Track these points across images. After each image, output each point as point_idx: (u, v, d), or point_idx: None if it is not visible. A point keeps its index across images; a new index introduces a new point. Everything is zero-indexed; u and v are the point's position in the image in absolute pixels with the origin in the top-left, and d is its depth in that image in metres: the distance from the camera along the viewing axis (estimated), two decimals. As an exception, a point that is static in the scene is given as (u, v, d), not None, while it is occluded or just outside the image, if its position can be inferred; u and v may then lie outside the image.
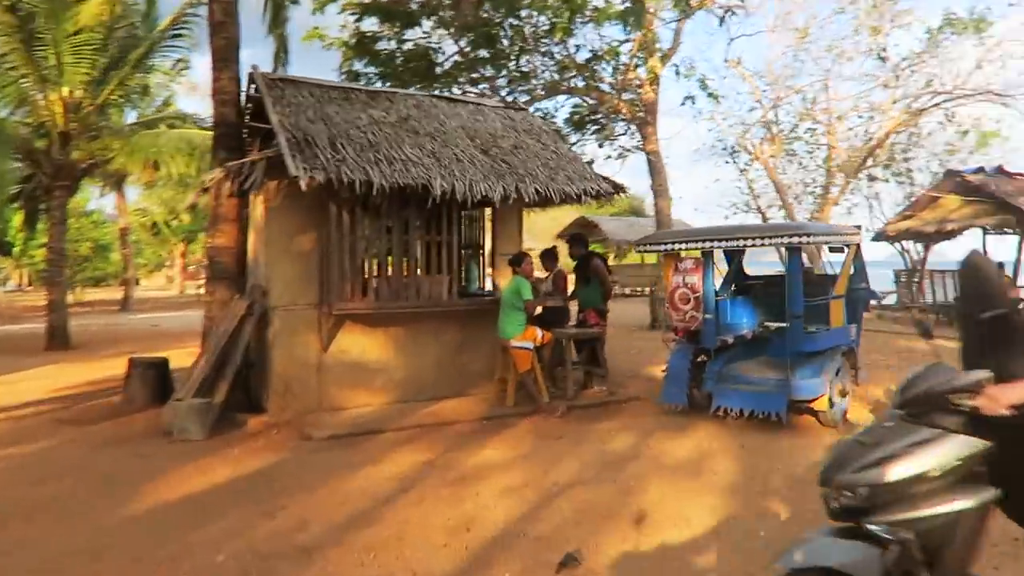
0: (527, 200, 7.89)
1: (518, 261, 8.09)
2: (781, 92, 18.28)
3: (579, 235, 9.15)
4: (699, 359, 7.66)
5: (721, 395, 7.17)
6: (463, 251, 8.93)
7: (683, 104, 16.74)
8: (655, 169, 17.33)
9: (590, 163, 11.40)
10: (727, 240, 7.04)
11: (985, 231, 16.81)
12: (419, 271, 7.99)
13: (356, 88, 9.05)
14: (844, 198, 22.63)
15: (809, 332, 6.87)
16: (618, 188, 8.86)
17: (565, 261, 9.38)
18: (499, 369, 8.29)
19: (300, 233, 7.57)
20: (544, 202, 9.23)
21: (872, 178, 19.36)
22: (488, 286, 9.68)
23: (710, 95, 16.86)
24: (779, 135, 18.71)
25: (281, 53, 12.41)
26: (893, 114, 16.87)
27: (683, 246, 7.41)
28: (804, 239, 6.63)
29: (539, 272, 9.23)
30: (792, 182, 19.20)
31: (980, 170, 16.40)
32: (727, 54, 17.50)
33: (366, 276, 7.92)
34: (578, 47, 16.47)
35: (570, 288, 9.50)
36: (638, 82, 17.03)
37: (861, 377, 7.72)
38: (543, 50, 15.71)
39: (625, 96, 17.44)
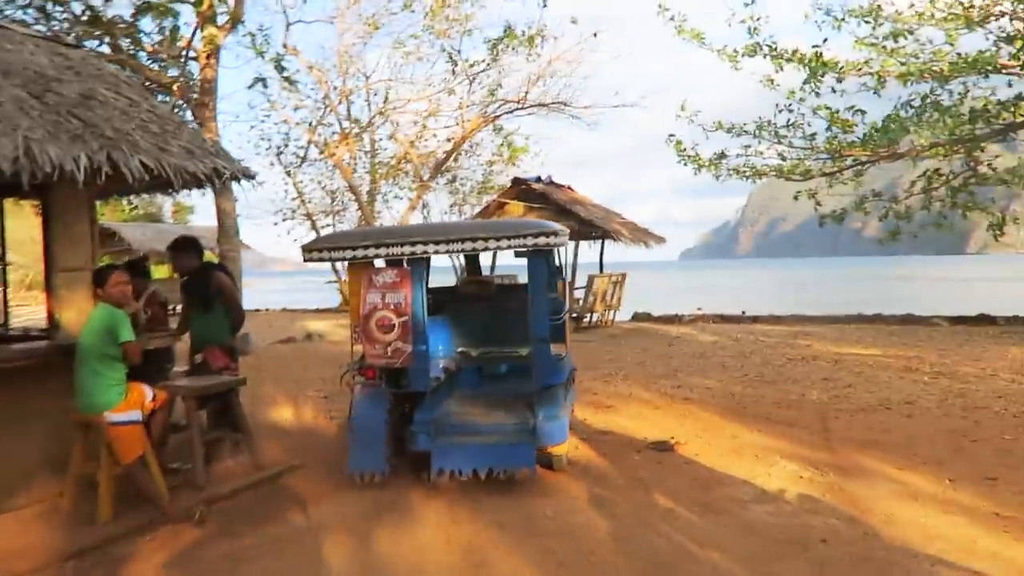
0: (133, 179, 4.76)
1: (102, 279, 4.90)
2: (351, 86, 16.87)
3: (189, 239, 6.18)
4: (397, 406, 5.60)
5: (443, 454, 5.24)
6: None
7: (251, 87, 13.88)
8: (212, 162, 14.21)
9: None
10: (458, 242, 5.12)
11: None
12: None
13: None
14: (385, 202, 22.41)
15: (554, 359, 5.43)
16: (248, 173, 6.20)
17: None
18: (76, 463, 4.94)
19: None
20: (128, 188, 6.05)
21: (452, 181, 19.32)
22: (15, 320, 5.97)
23: (287, 79, 14.46)
24: (352, 134, 17.25)
25: None
26: (468, 119, 16.88)
27: (382, 251, 5.24)
28: (550, 239, 5.15)
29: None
30: (358, 185, 17.99)
31: (539, 180, 17.42)
32: (286, 39, 15.25)
33: None
34: (107, -6, 12.39)
35: (171, 317, 6.45)
36: (192, 53, 13.72)
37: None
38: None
39: (171, 72, 13.93)
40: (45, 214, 5.23)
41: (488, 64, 17.03)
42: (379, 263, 5.50)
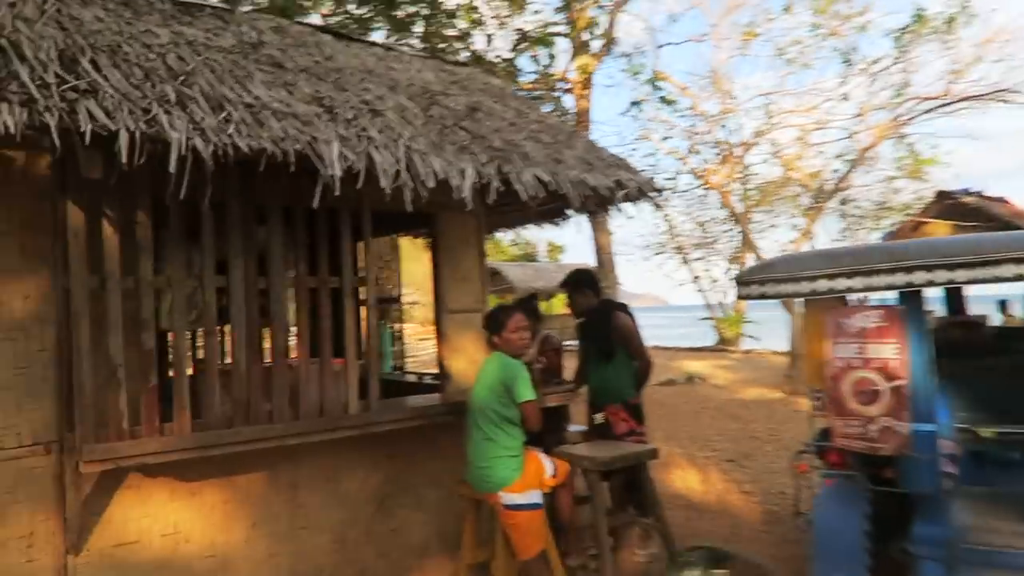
0: (527, 195, 3.84)
1: (498, 322, 3.99)
2: (728, 104, 15.39)
3: (586, 273, 5.21)
4: (880, 508, 3.80)
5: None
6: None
7: (626, 113, 13.31)
8: (590, 196, 13.77)
9: None
10: (997, 264, 3.25)
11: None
12: (287, 352, 3.70)
13: None
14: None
15: None
16: (654, 187, 5.04)
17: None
18: (467, 547, 4.08)
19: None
20: (515, 217, 5.29)
21: (843, 203, 16.70)
22: (413, 357, 5.49)
23: (663, 99, 13.53)
24: (732, 155, 15.69)
25: None
26: (872, 125, 14.27)
27: (860, 281, 3.55)
28: None
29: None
30: (737, 212, 16.37)
31: (967, 192, 13.92)
32: (656, 63, 14.49)
33: (168, 374, 3.57)
34: (490, 36, 12.67)
35: (567, 366, 5.50)
36: (566, 85, 13.53)
37: None
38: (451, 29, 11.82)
39: (545, 108, 13.89)
40: (433, 248, 4.59)
41: (894, 59, 14.15)
42: (845, 298, 3.82)
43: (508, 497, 3.71)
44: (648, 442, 4.93)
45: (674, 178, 21.59)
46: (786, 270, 3.79)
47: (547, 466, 4.01)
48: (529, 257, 39.35)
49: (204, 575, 3.61)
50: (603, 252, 13.67)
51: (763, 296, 3.87)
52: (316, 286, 3.61)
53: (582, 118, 13.55)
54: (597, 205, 4.56)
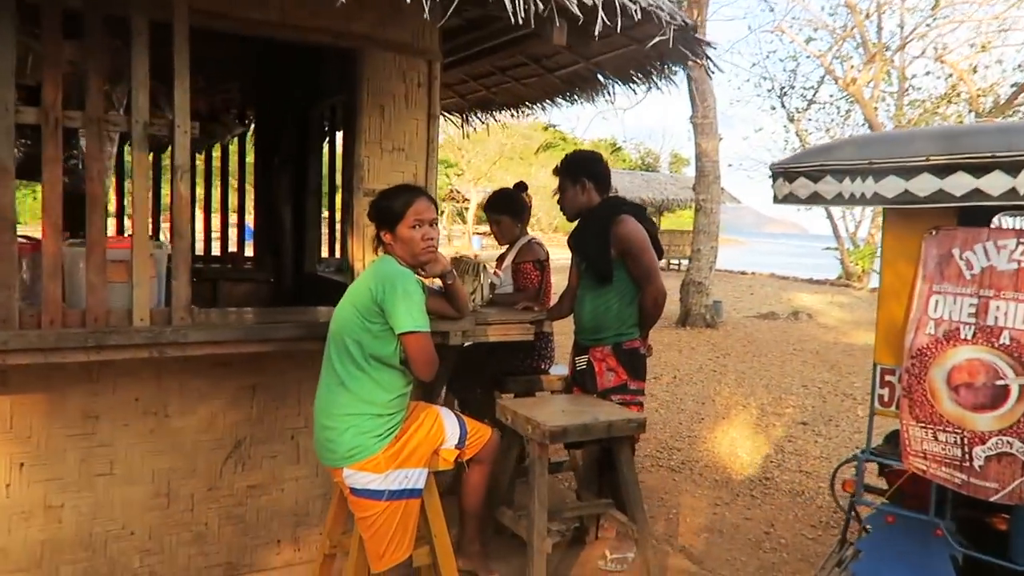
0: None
1: (388, 213, 2.55)
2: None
3: (590, 157, 3.63)
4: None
5: None
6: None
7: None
8: (699, 94, 11.69)
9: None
10: None
11: None
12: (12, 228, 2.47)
13: None
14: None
15: None
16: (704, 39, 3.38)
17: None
18: (330, 526, 2.84)
19: None
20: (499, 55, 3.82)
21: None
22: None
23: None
24: (881, 54, 12.91)
25: None
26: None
27: (993, 180, 1.86)
28: None
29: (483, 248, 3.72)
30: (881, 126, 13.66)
31: None
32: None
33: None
34: None
35: (554, 289, 4.03)
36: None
37: None
38: None
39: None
40: (348, 100, 3.18)
41: None
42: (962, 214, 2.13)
43: (355, 477, 2.40)
44: (643, 403, 3.46)
45: (818, 83, 18.75)
46: (859, 155, 2.12)
47: (450, 431, 2.66)
48: (648, 168, 36.84)
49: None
50: (706, 159, 11.68)
51: (816, 199, 2.23)
52: (81, 124, 2.30)
53: (698, 3, 11.33)
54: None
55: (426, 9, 2.13)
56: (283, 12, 2.85)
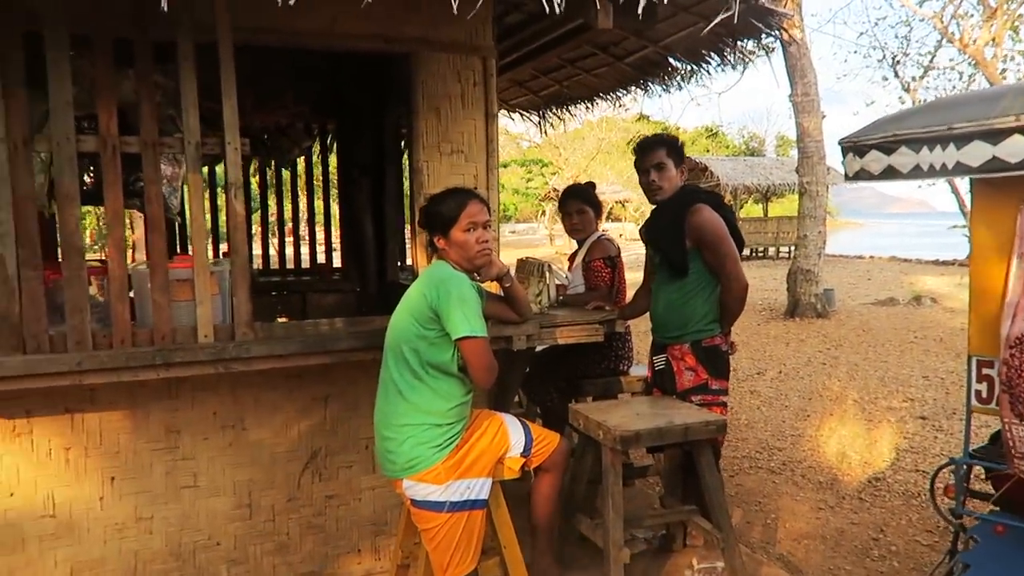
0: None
1: (441, 218, 2.49)
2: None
3: (660, 140, 3.45)
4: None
5: None
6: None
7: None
8: (797, 70, 11.11)
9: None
10: None
11: None
12: (80, 252, 2.56)
13: None
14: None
15: None
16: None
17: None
18: (401, 537, 2.83)
19: None
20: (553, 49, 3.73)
21: None
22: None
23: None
24: (1004, 8, 11.84)
25: None
26: None
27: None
28: None
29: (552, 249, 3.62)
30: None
31: None
32: None
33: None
34: None
35: (629, 286, 3.87)
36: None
37: None
38: None
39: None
40: (408, 105, 3.17)
41: None
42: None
43: (415, 489, 2.36)
44: (727, 403, 3.27)
45: (934, 49, 17.43)
46: (937, 120, 1.88)
47: (514, 439, 2.58)
48: (754, 153, 35.47)
49: (41, 540, 2.73)
50: (808, 139, 11.08)
51: (892, 174, 2.00)
52: (138, 149, 2.38)
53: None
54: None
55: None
56: (333, 20, 2.87)
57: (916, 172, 1.88)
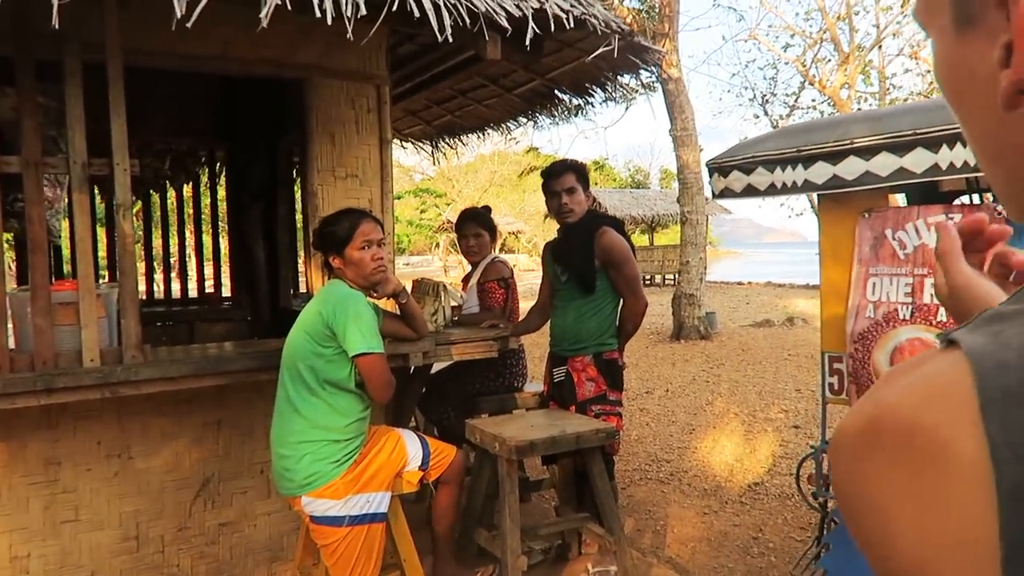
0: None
1: (334, 239, 2.55)
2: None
3: (571, 166, 3.59)
4: None
5: None
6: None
7: (716, 3, 11.04)
8: (675, 107, 11.77)
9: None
10: None
11: None
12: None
13: None
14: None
15: None
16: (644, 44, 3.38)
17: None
18: (299, 555, 2.81)
19: None
20: (447, 78, 3.83)
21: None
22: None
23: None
24: (853, 55, 13.05)
25: None
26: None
27: (916, 157, 1.86)
28: None
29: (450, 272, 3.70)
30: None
31: None
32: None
33: None
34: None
35: (521, 304, 4.01)
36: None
37: None
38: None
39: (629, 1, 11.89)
40: (301, 132, 3.20)
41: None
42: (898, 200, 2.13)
43: (314, 505, 2.37)
44: (622, 414, 3.43)
45: (798, 91, 18.90)
46: (787, 143, 2.12)
47: (412, 453, 2.63)
48: (639, 185, 36.98)
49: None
50: (687, 171, 11.72)
51: (751, 191, 2.23)
52: (17, 169, 2.31)
53: (668, 12, 11.45)
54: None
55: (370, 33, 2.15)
56: (226, 45, 2.89)
57: (771, 189, 2.11)
